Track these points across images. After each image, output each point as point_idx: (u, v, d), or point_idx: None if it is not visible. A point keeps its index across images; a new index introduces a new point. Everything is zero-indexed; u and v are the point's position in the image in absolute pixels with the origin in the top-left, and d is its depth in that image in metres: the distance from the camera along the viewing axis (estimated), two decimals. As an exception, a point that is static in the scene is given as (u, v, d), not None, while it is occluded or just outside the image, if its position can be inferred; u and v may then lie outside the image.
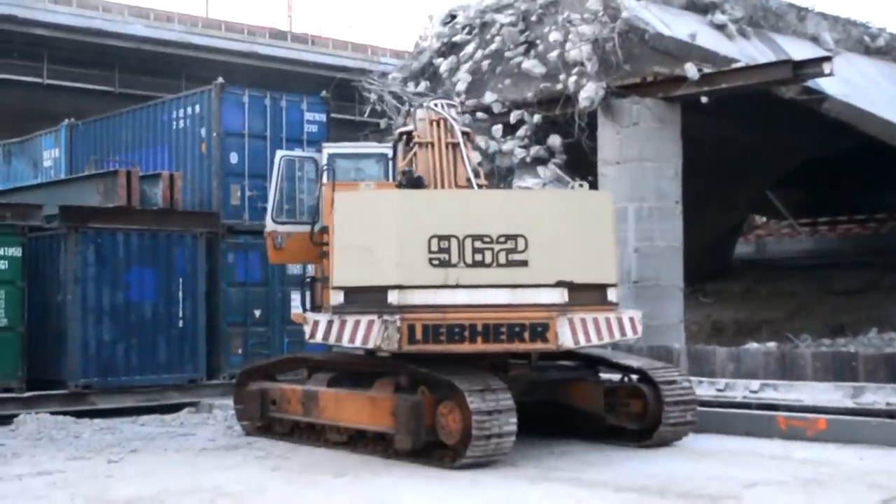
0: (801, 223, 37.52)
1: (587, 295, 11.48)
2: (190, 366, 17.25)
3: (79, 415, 15.39)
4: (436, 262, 11.17)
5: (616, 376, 13.14)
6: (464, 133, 13.43)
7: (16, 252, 15.79)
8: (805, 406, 13.08)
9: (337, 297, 11.55)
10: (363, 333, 11.21)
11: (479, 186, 13.08)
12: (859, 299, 27.68)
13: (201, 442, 13.39)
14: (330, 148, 13.92)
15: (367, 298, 11.33)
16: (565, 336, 11.13)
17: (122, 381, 16.52)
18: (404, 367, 11.72)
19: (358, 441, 12.36)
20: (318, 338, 11.67)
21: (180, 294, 17.22)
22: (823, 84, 19.11)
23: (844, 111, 19.90)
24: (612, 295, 11.72)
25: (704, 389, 13.86)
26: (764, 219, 40.42)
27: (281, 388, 13.67)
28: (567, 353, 13.28)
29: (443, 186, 12.77)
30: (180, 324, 17.20)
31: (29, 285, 15.99)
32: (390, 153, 13.81)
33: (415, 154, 13.03)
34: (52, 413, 15.26)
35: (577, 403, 12.85)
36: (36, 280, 16.42)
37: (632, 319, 11.77)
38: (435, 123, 13.22)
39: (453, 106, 13.88)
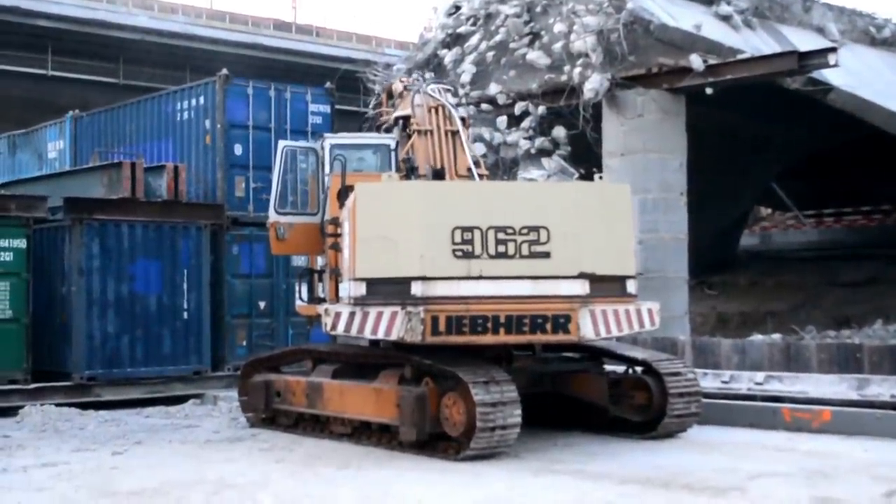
0: (806, 215, 37.50)
1: (608, 286, 11.48)
2: (194, 357, 17.26)
3: (83, 406, 15.42)
4: (459, 253, 11.14)
5: (620, 368, 13.13)
6: (460, 117, 13.33)
7: (20, 244, 15.80)
8: (810, 398, 13.07)
9: (359, 289, 11.41)
10: (386, 325, 11.14)
11: (481, 176, 13.03)
12: (864, 291, 27.65)
13: (206, 434, 13.41)
14: (332, 138, 13.88)
15: (389, 290, 11.23)
16: (587, 327, 11.14)
17: (127, 373, 16.54)
18: (409, 358, 11.71)
19: (362, 433, 12.36)
20: (340, 329, 11.57)
21: (185, 286, 17.23)
22: (829, 75, 19.06)
23: (850, 102, 19.86)
24: (631, 286, 11.72)
25: (709, 381, 13.85)
26: (769, 210, 40.41)
27: (285, 379, 13.68)
28: (572, 345, 13.30)
29: (445, 178, 12.73)
30: (185, 315, 17.21)
31: (34, 277, 16.01)
32: (392, 144, 13.77)
33: (413, 142, 12.98)
34: (57, 405, 15.29)
35: (582, 395, 12.83)
36: (40, 272, 16.43)
37: (650, 311, 11.79)
38: (433, 110, 13.13)
39: (450, 90, 13.75)
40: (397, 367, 11.97)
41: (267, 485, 9.89)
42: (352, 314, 11.37)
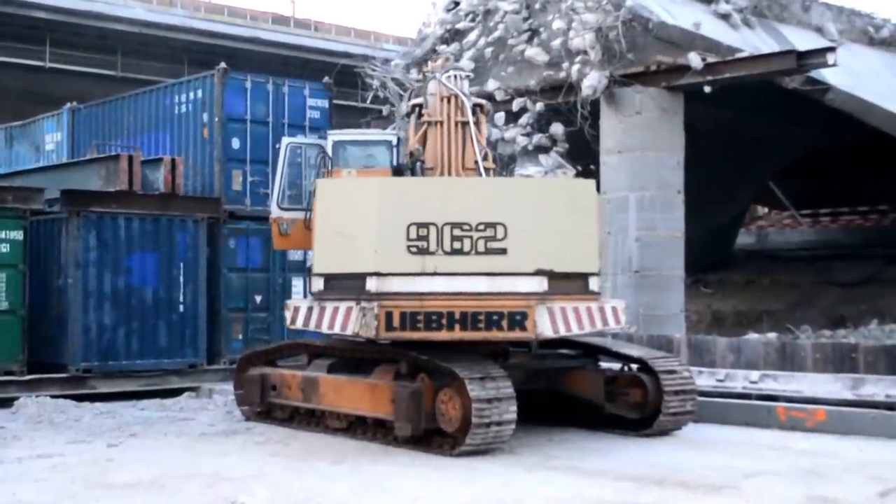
0: (802, 214, 37.51)
1: (568, 284, 11.42)
2: (190, 351, 17.25)
3: (79, 398, 15.41)
4: (414, 249, 11.23)
5: (616, 365, 13.15)
6: (478, 105, 13.15)
7: (17, 236, 15.78)
8: (805, 397, 13.10)
9: (318, 284, 11.77)
10: (342, 320, 11.37)
11: (487, 170, 12.93)
12: (860, 291, 27.70)
13: (201, 427, 13.41)
14: (335, 135, 13.90)
15: (346, 285, 11.50)
16: (544, 325, 11.09)
17: (123, 366, 16.52)
18: (404, 354, 11.73)
19: (358, 427, 12.38)
20: (299, 324, 11.95)
21: (181, 279, 17.21)
22: (827, 74, 19.07)
23: (848, 102, 19.88)
24: (594, 284, 11.64)
25: (704, 380, 13.87)
26: (766, 209, 40.43)
27: (281, 373, 13.68)
28: (567, 342, 13.32)
29: (450, 170, 12.65)
30: (181, 309, 17.19)
31: (30, 269, 15.99)
32: (395, 140, 13.76)
33: (425, 132, 12.91)
34: (53, 396, 15.27)
35: (577, 392, 12.86)
36: (37, 264, 16.42)
37: (614, 309, 11.71)
38: (445, 100, 12.99)
39: (468, 77, 13.50)
40: (393, 362, 11.99)
41: (262, 478, 9.90)
42: (310, 309, 11.69)
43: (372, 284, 11.22)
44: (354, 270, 11.40)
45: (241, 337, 18.12)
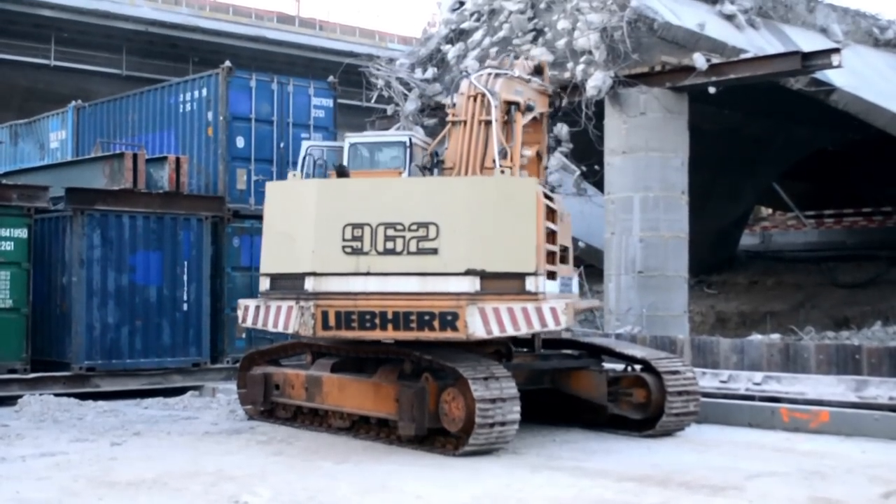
0: (806, 215, 37.50)
1: (501, 284, 11.27)
2: (194, 349, 17.26)
3: (82, 397, 15.42)
4: (348, 249, 11.37)
5: (619, 366, 13.14)
6: (513, 103, 12.82)
7: (21, 233, 15.80)
8: (808, 399, 13.10)
9: (264, 283, 12.09)
10: (283, 319, 11.64)
11: (503, 169, 12.75)
12: (864, 292, 27.71)
13: (204, 426, 13.42)
14: (351, 137, 13.91)
15: (287, 285, 11.76)
16: (476, 325, 10.99)
17: (126, 364, 16.53)
18: (408, 353, 11.73)
19: (361, 427, 12.39)
20: (249, 322, 12.26)
21: (185, 277, 17.23)
22: (832, 76, 19.07)
23: (852, 103, 19.87)
24: (531, 284, 11.36)
25: (708, 381, 13.88)
26: (770, 210, 40.43)
27: (284, 372, 13.69)
28: (571, 342, 13.31)
29: (468, 170, 12.51)
30: (185, 307, 17.21)
31: (34, 267, 16.02)
32: (408, 140, 13.72)
33: (449, 132, 12.82)
34: (56, 395, 15.30)
35: (581, 392, 12.86)
36: (41, 262, 16.45)
37: (553, 310, 11.33)
38: (472, 99, 12.79)
39: (503, 76, 13.16)
40: (397, 361, 11.99)
41: (265, 477, 9.91)
42: (257, 308, 12.02)
43: (310, 284, 11.46)
44: (295, 270, 11.66)
45: (244, 336, 18.11)
